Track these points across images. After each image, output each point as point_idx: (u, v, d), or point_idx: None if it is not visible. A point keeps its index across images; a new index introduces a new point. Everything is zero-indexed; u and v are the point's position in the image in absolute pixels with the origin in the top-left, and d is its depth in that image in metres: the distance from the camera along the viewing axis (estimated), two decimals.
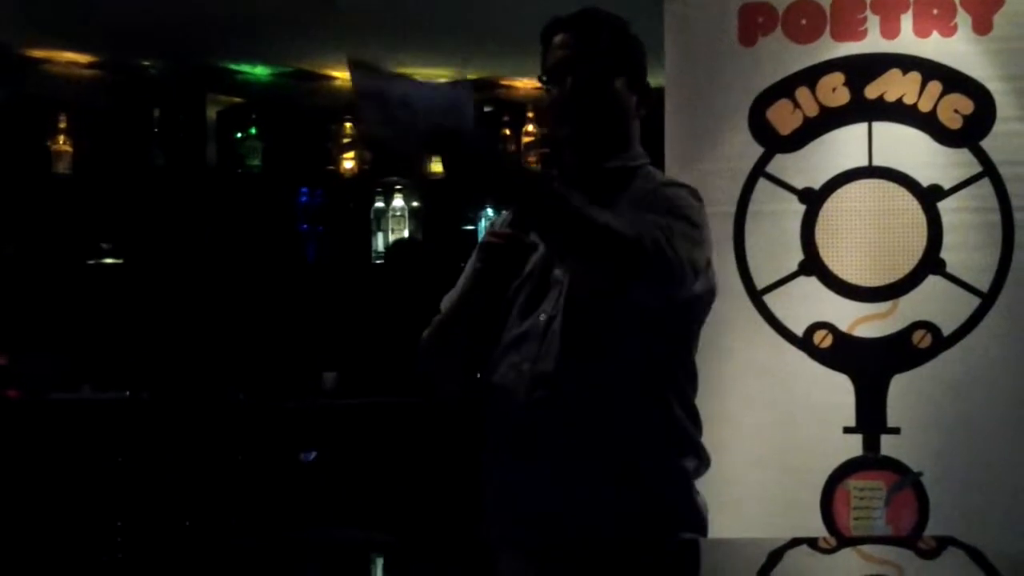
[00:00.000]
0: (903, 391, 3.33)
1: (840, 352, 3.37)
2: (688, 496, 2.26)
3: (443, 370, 2.37)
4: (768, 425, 3.38)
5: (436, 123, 2.01)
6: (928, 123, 3.35)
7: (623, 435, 2.18)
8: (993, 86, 3.33)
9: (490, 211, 5.09)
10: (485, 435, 2.32)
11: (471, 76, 5.23)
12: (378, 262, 5.08)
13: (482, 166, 2.04)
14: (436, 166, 5.11)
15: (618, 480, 2.17)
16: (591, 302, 2.18)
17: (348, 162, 5.09)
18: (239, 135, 5.02)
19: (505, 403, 2.24)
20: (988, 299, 3.31)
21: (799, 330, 3.39)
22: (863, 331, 3.37)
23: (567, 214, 2.03)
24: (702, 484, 2.32)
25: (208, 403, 4.65)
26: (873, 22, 3.40)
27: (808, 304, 3.39)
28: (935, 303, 3.33)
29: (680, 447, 2.25)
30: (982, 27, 3.35)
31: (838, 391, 3.36)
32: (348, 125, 5.08)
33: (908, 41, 3.38)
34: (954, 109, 3.35)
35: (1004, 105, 3.32)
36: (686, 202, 2.24)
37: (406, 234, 5.09)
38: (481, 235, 5.11)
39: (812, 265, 3.40)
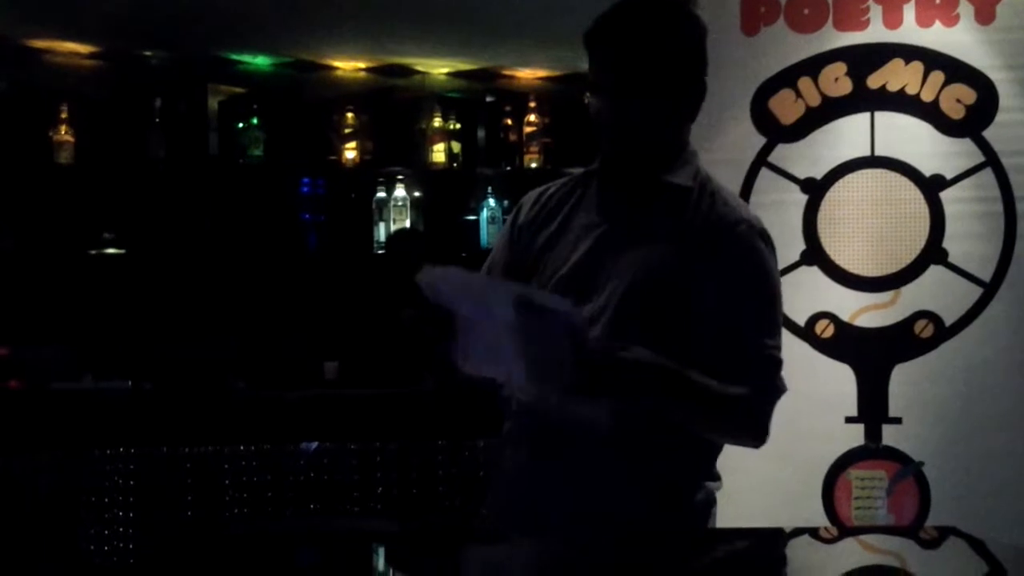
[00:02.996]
0: (905, 381, 3.34)
1: (842, 342, 3.37)
2: (701, 517, 2.24)
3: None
4: None
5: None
6: (930, 113, 3.35)
7: (651, 445, 2.15)
8: (995, 76, 3.33)
9: (491, 201, 5.09)
10: (506, 426, 2.27)
11: (472, 67, 5.23)
12: (380, 252, 5.08)
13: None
14: (437, 156, 5.12)
15: (635, 487, 2.15)
16: (644, 319, 2.13)
17: (350, 152, 5.08)
18: (241, 125, 5.01)
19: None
20: (990, 289, 3.31)
21: (801, 320, 3.39)
22: (865, 321, 3.37)
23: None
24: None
25: (209, 393, 4.65)
26: (875, 12, 3.39)
27: (810, 294, 3.39)
28: (937, 293, 3.33)
29: (701, 467, 2.24)
30: (984, 17, 3.34)
31: (840, 381, 3.36)
32: (349, 115, 5.08)
33: (910, 31, 3.38)
34: (956, 99, 3.34)
35: (1006, 95, 3.32)
36: (769, 275, 2.18)
37: (407, 224, 5.09)
38: (483, 225, 5.16)
39: (814, 255, 3.40)
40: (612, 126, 2.16)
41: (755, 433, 2.21)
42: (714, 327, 2.12)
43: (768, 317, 2.18)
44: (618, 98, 2.13)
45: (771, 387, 2.19)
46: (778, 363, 2.19)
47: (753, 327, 2.15)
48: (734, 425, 2.20)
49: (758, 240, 2.18)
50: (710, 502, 2.24)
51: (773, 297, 2.20)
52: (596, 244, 2.19)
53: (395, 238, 5.04)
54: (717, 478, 2.26)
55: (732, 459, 2.31)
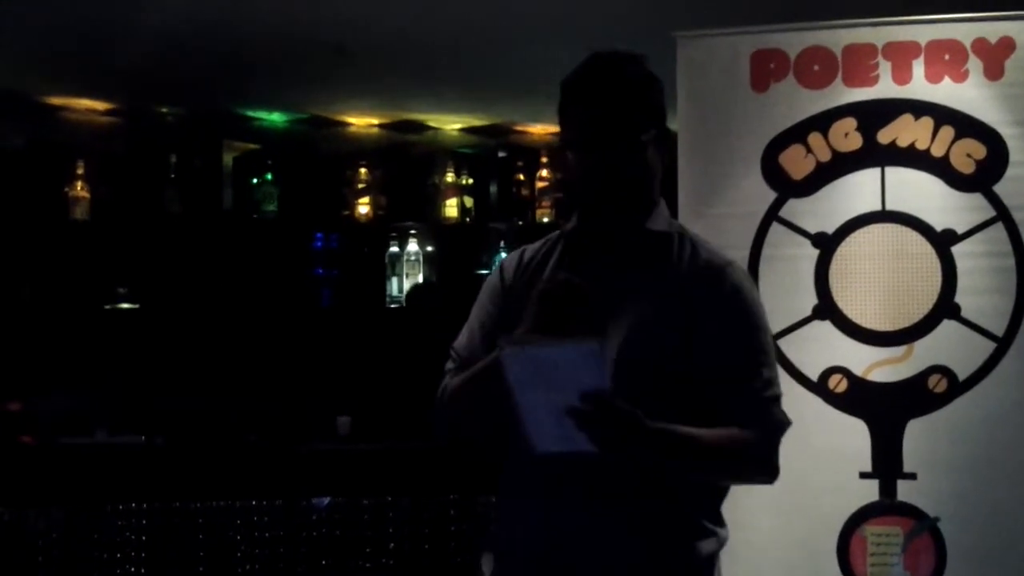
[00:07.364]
0: (919, 436, 3.32)
1: (855, 397, 3.36)
2: (707, 566, 2.22)
3: (475, 429, 2.27)
4: (784, 470, 3.31)
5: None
6: (941, 168, 3.36)
7: (649, 489, 2.15)
8: (1005, 131, 3.34)
9: (504, 255, 5.10)
10: (505, 478, 2.27)
11: (484, 122, 5.27)
12: (393, 306, 5.09)
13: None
14: (450, 211, 5.15)
15: (638, 532, 2.14)
16: (643, 372, 2.13)
17: (363, 207, 5.11)
18: (255, 180, 5.05)
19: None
20: (1003, 343, 3.30)
21: (814, 375, 3.38)
22: (878, 375, 3.36)
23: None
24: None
25: (222, 447, 4.64)
26: (885, 68, 3.41)
27: (823, 349, 3.38)
28: (950, 347, 3.32)
29: (704, 514, 2.22)
30: (993, 72, 3.36)
31: (854, 436, 3.35)
32: (363, 170, 5.11)
33: (920, 86, 3.39)
34: (967, 154, 3.35)
35: (1016, 150, 3.33)
36: (759, 313, 2.21)
37: (420, 278, 5.10)
38: None
39: (826, 309, 3.40)
40: (592, 179, 2.20)
41: (766, 471, 2.22)
42: (712, 371, 2.14)
43: (763, 353, 2.20)
44: (596, 153, 2.18)
45: (775, 422, 2.19)
46: (777, 397, 2.20)
47: (751, 366, 2.17)
48: (745, 468, 2.22)
49: (745, 280, 2.24)
50: (715, 554, 2.22)
51: (764, 333, 2.22)
52: None
53: (413, 293, 5.04)
54: (723, 524, 2.25)
55: (746, 514, 2.31)
